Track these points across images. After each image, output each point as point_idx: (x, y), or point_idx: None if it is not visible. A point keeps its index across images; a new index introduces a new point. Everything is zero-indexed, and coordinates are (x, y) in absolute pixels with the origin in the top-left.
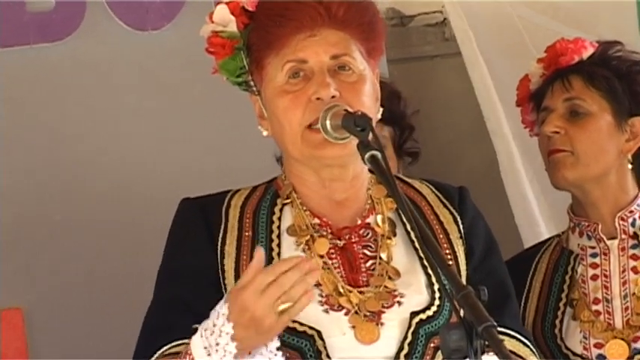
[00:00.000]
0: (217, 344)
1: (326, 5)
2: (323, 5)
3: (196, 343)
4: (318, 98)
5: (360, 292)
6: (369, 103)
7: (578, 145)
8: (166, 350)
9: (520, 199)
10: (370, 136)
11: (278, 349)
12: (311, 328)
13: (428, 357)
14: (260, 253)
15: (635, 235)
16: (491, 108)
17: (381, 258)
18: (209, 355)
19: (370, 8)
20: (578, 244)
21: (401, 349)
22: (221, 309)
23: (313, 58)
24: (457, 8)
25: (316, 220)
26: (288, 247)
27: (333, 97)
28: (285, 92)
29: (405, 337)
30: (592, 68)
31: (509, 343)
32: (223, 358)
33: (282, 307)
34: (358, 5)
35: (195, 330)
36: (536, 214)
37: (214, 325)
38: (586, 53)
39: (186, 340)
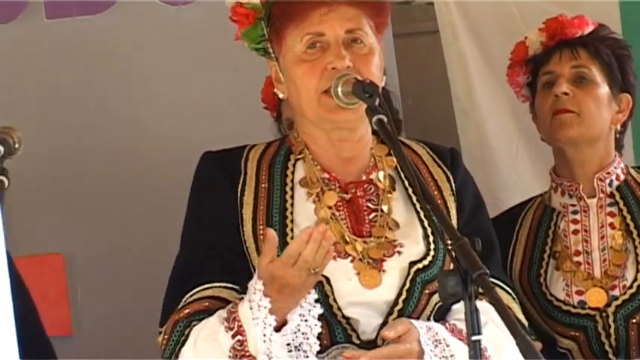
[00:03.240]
0: (257, 318)
1: None
2: None
3: (245, 313)
4: (333, 68)
5: (364, 242)
6: (377, 74)
7: (583, 108)
8: (197, 293)
9: (483, 179)
10: (377, 101)
11: (316, 300)
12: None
13: (423, 302)
14: (270, 233)
15: (612, 195)
16: (466, 85)
17: (382, 210)
18: (256, 325)
19: None
20: (560, 203)
21: (400, 294)
22: (256, 284)
23: (330, 31)
24: None
25: (326, 175)
26: (300, 198)
27: (347, 67)
28: (303, 61)
29: (404, 284)
30: (596, 43)
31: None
32: (264, 330)
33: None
34: None
35: (238, 292)
36: (501, 195)
37: (251, 301)
38: (587, 29)
39: (215, 284)
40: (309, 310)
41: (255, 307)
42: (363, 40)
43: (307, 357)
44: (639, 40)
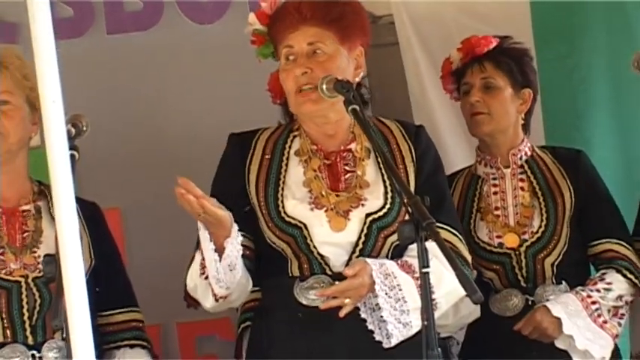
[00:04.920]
0: (204, 241)
1: (299, 10)
2: (298, 11)
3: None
4: (296, 75)
5: (337, 196)
6: (336, 75)
7: (492, 109)
8: None
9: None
10: (352, 95)
11: (239, 229)
12: (300, 222)
13: (380, 243)
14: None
15: (522, 166)
16: (419, 84)
17: (356, 173)
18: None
19: (336, 9)
20: (484, 172)
21: (360, 237)
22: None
23: (297, 45)
24: (401, 11)
25: (314, 146)
26: (293, 164)
27: (304, 73)
28: (283, 70)
29: (362, 230)
30: (498, 57)
31: (443, 233)
32: (206, 244)
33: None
34: (325, 8)
35: None
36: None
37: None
38: (492, 45)
39: None
40: (234, 242)
41: (201, 237)
42: (322, 50)
43: (239, 273)
44: (549, 42)
